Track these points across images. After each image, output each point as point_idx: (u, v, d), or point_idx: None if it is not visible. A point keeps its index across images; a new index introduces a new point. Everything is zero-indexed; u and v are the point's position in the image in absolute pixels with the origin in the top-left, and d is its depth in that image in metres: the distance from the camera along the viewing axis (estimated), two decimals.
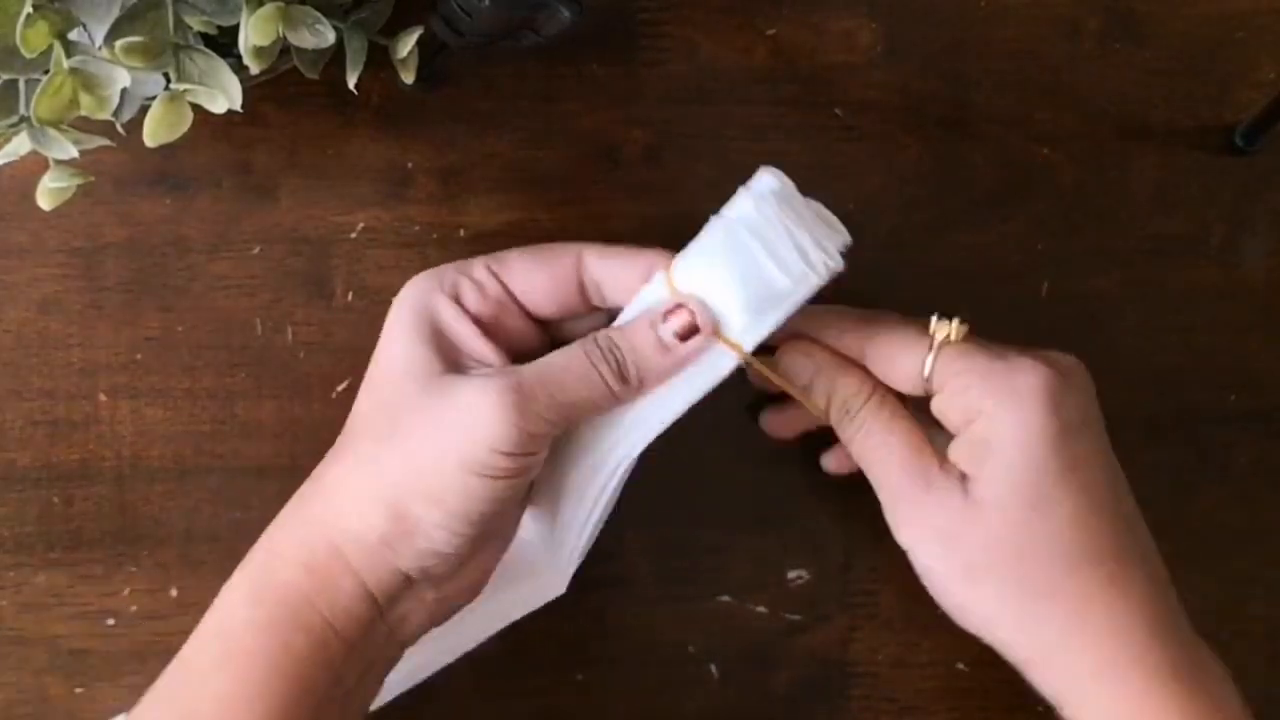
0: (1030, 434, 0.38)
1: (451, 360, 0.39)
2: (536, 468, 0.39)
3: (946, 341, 0.40)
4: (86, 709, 0.46)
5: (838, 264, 0.39)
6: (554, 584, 0.43)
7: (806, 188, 0.47)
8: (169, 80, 0.37)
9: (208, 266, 0.46)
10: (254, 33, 0.36)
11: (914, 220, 0.48)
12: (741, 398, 0.47)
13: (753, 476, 0.48)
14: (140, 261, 0.46)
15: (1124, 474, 0.41)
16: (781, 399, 0.45)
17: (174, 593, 0.46)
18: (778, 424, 0.46)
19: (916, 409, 0.42)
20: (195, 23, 0.37)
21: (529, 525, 0.43)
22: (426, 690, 0.45)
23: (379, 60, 0.42)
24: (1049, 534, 0.39)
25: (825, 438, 0.45)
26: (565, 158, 0.47)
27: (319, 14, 0.38)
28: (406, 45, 0.41)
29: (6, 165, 0.38)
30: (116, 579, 0.46)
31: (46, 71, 0.35)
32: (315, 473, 0.40)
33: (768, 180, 0.40)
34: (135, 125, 0.38)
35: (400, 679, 0.43)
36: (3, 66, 0.36)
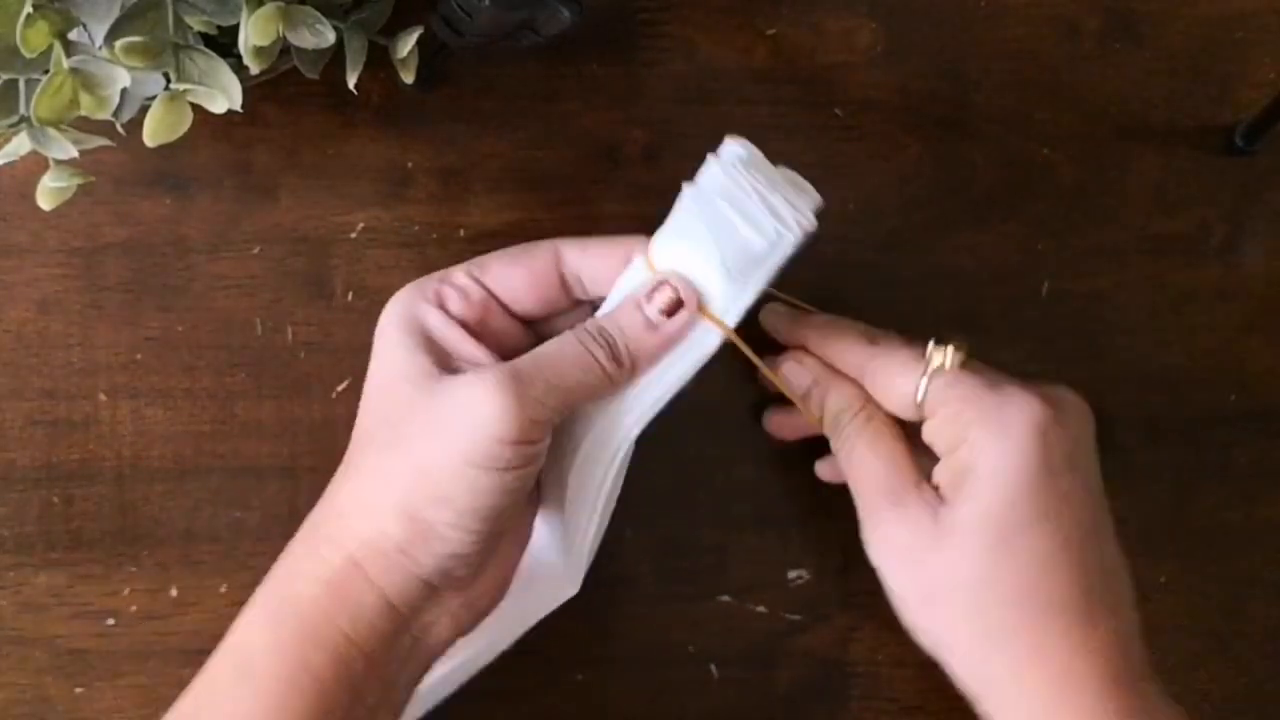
0: (1009, 470, 0.38)
1: (444, 364, 0.39)
2: (540, 458, 0.39)
3: (940, 369, 0.40)
4: (86, 709, 0.46)
5: (811, 223, 0.39)
6: (567, 585, 0.43)
7: None
8: (169, 80, 0.37)
9: (208, 266, 0.46)
10: (254, 33, 0.36)
11: (914, 220, 0.48)
12: (743, 398, 0.47)
13: (753, 476, 0.48)
14: (140, 261, 0.46)
15: (1110, 519, 0.40)
16: (786, 401, 0.45)
17: (174, 593, 0.46)
18: (780, 425, 0.47)
19: (916, 433, 0.42)
20: (195, 23, 0.37)
21: (540, 528, 0.43)
22: None
23: (379, 60, 0.42)
24: (1012, 573, 0.38)
25: (825, 441, 0.45)
26: (565, 158, 0.47)
27: (319, 14, 0.38)
28: (406, 45, 0.41)
29: (6, 165, 0.38)
30: (116, 579, 0.46)
31: (46, 71, 0.35)
32: (325, 494, 0.40)
33: (735, 148, 0.40)
34: (135, 125, 0.38)
35: (427, 693, 0.43)
36: (3, 66, 0.36)
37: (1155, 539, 0.48)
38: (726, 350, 0.43)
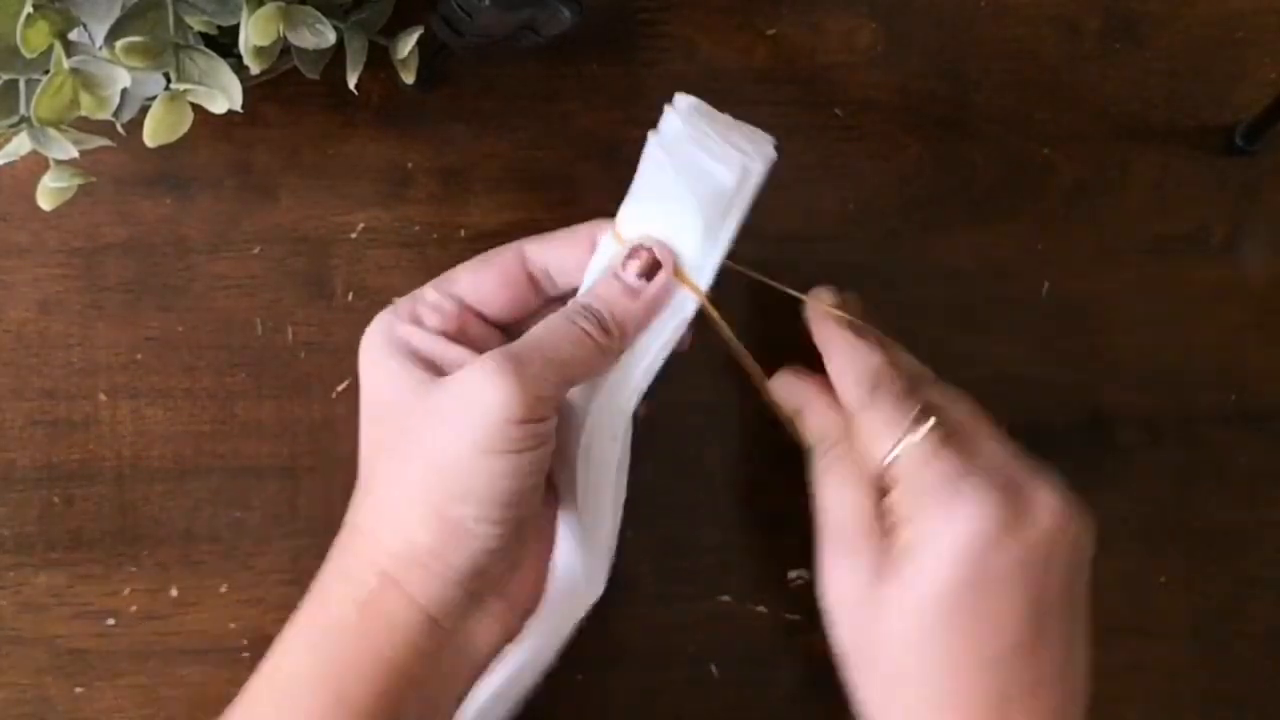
0: (939, 570, 0.38)
1: (435, 373, 0.39)
2: (551, 439, 0.39)
3: (915, 444, 0.39)
4: (86, 709, 0.46)
5: (772, 154, 0.40)
6: (594, 585, 0.43)
7: (806, 188, 0.47)
8: (169, 80, 0.37)
9: (208, 266, 0.46)
10: (254, 33, 0.36)
11: (914, 220, 0.48)
12: (743, 399, 0.47)
13: (753, 476, 0.48)
14: (140, 261, 0.46)
15: (1080, 618, 0.39)
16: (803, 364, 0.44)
17: (174, 593, 0.46)
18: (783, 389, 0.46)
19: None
20: (195, 23, 0.37)
21: (560, 529, 0.43)
22: None
23: (379, 60, 0.42)
24: (920, 665, 0.38)
25: None
26: (565, 158, 0.47)
27: (319, 14, 0.38)
28: (406, 45, 0.41)
29: (7, 165, 0.38)
30: (116, 579, 0.46)
31: (46, 71, 0.35)
32: (346, 518, 0.40)
33: (687, 99, 0.41)
34: (135, 125, 0.38)
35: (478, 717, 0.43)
36: (3, 66, 0.36)
37: (1155, 539, 0.48)
38: (725, 351, 0.44)
